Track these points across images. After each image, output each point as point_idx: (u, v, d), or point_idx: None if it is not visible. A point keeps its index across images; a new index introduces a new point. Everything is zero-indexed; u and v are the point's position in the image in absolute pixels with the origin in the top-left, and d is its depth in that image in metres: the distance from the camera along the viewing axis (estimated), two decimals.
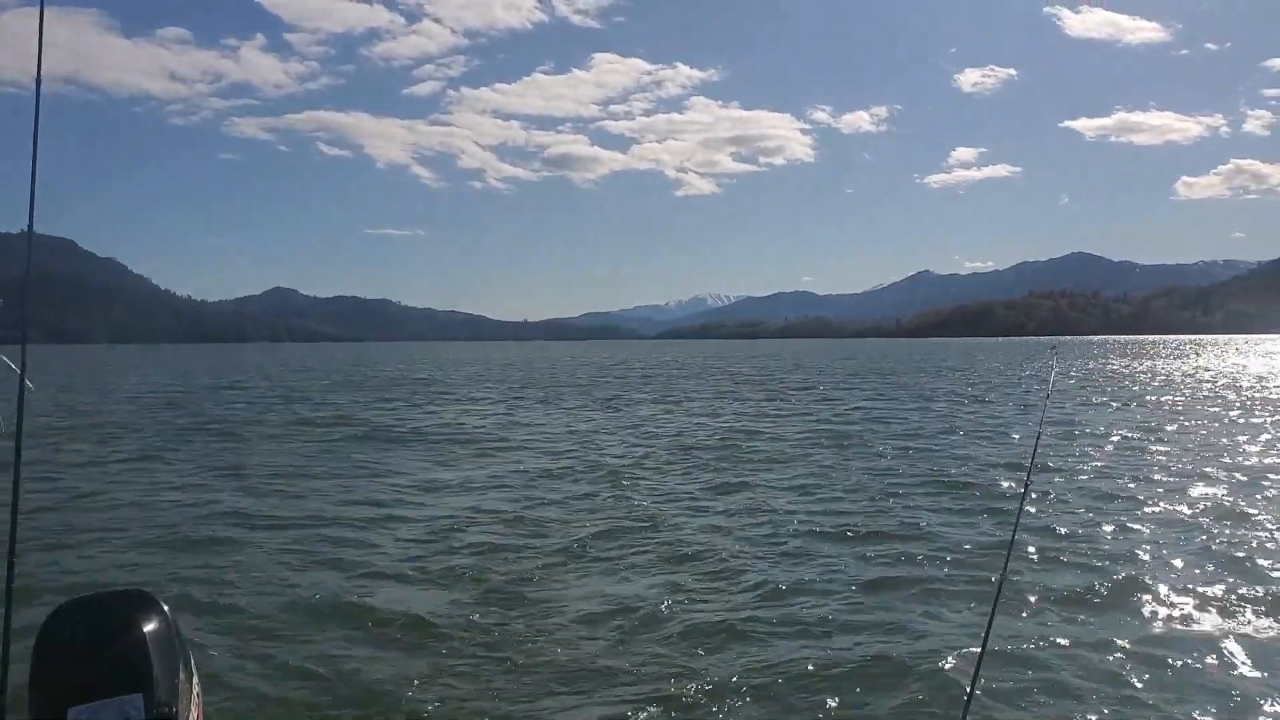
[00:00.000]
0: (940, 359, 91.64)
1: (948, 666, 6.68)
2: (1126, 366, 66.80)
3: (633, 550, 10.69)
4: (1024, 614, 8.08)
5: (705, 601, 8.63)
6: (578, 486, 15.37)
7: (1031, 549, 10.17)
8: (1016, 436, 21.70)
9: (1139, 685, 6.48)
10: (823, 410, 30.59)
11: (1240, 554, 9.98)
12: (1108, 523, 11.74)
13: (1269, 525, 11.33)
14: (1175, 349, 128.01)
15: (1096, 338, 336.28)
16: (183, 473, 17.21)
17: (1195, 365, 67.49)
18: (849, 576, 9.41)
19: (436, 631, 7.85)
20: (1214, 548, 10.29)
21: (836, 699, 6.32)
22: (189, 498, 14.40)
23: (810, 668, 6.84)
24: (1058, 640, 7.31)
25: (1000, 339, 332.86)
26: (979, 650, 3.27)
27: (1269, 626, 7.74)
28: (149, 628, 1.67)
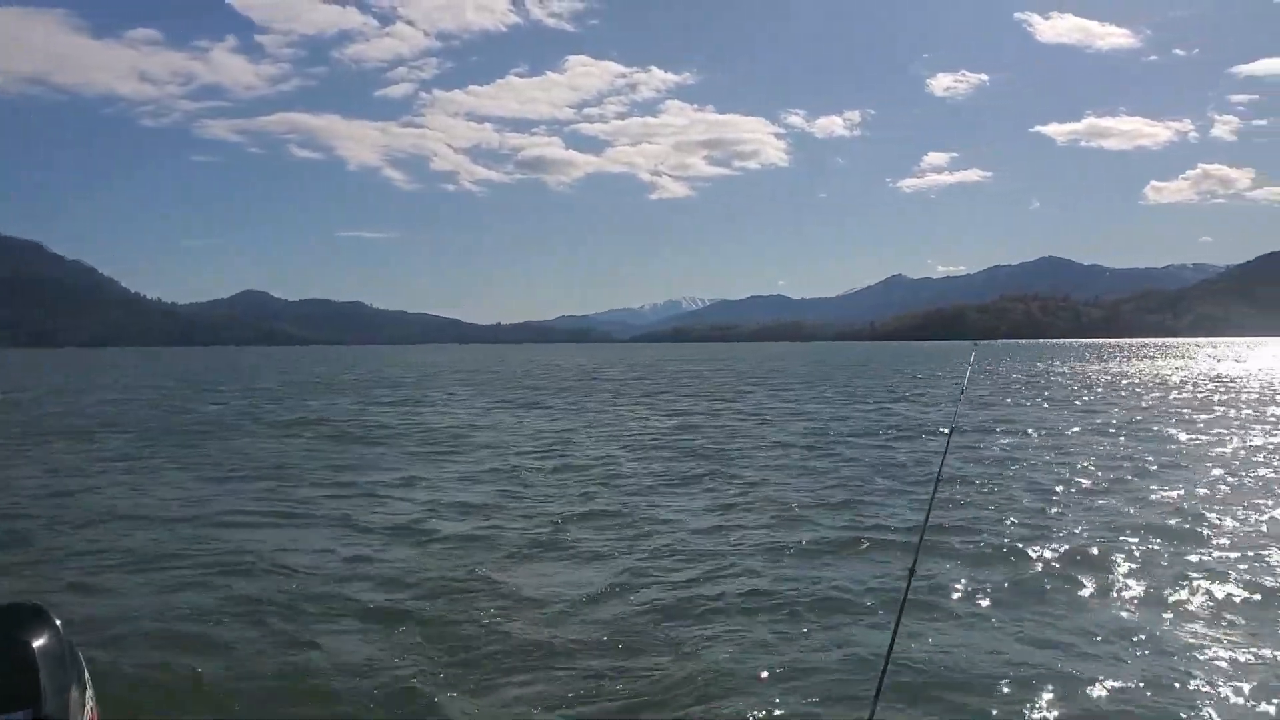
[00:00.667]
0: (910, 361, 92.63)
1: (862, 653, 6.97)
2: (1077, 368, 67.89)
3: (594, 540, 11.05)
4: (934, 607, 8.36)
5: (652, 586, 8.93)
6: (542, 484, 15.69)
7: (940, 540, 10.54)
8: (929, 440, 22.17)
9: (1049, 675, 6.69)
10: (778, 410, 31.07)
11: (1134, 540, 10.42)
12: (1015, 516, 12.18)
13: (1158, 518, 11.79)
14: (1133, 351, 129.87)
15: (1066, 341, 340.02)
16: (138, 474, 17.35)
17: (1140, 368, 68.61)
18: (773, 568, 9.76)
19: (402, 619, 8.07)
20: (1112, 536, 10.73)
21: (757, 687, 6.56)
22: (127, 502, 14.51)
23: (724, 656, 7.10)
24: (968, 632, 7.61)
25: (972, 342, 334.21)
26: (893, 626, 3.38)
27: (1181, 610, 8.10)
28: (39, 642, 1.59)
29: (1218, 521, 11.50)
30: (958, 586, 8.79)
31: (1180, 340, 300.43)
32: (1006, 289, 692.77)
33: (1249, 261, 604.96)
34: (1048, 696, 6.23)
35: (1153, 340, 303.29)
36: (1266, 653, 6.99)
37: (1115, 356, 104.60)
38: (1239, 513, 12.09)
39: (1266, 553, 9.91)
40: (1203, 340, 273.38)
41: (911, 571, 3.80)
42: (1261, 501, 12.95)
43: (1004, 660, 6.92)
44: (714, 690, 6.41)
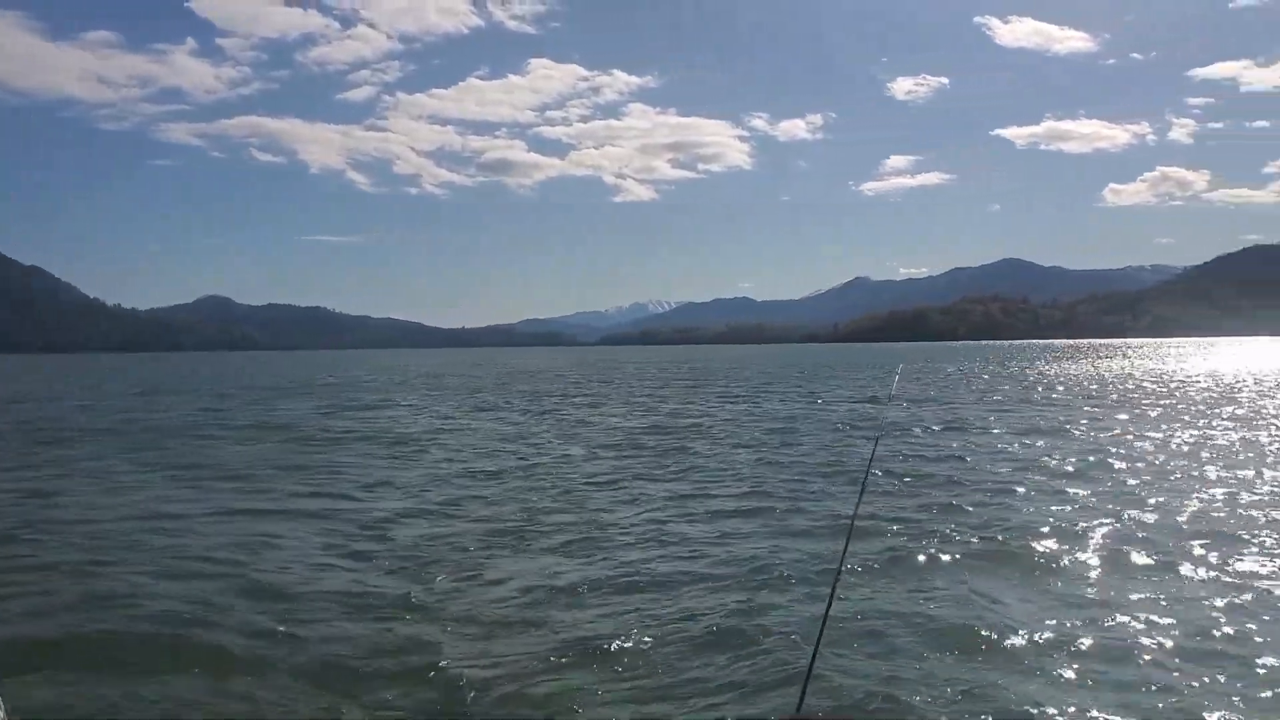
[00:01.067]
0: (871, 363, 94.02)
1: (795, 637, 7.59)
2: (1028, 369, 69.54)
3: (552, 535, 11.92)
4: (863, 588, 9.28)
5: (598, 569, 9.86)
6: (502, 483, 16.57)
7: (869, 524, 11.69)
8: (862, 439, 23.27)
9: (971, 650, 7.58)
10: (728, 408, 32.10)
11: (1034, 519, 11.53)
12: (938, 504, 13.32)
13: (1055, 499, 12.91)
14: (1088, 352, 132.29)
15: (1026, 341, 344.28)
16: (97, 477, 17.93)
17: (1084, 369, 70.37)
18: (713, 551, 10.76)
19: (367, 609, 8.82)
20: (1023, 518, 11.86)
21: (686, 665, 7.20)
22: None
23: (661, 632, 7.93)
24: (895, 608, 8.45)
25: (934, 344, 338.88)
26: (826, 604, 3.50)
27: (1085, 588, 9.23)
28: None
29: (1123, 512, 12.70)
30: (881, 566, 9.79)
31: (1140, 341, 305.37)
32: (967, 290, 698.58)
33: (1206, 263, 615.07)
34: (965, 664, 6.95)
35: (1109, 341, 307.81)
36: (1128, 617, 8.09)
37: (1070, 358, 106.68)
38: (1146, 504, 13.35)
39: (1153, 535, 11.12)
40: (1159, 341, 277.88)
41: (843, 555, 4.04)
42: (1162, 492, 14.20)
43: (929, 629, 7.74)
44: (661, 674, 6.91)
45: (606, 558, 10.53)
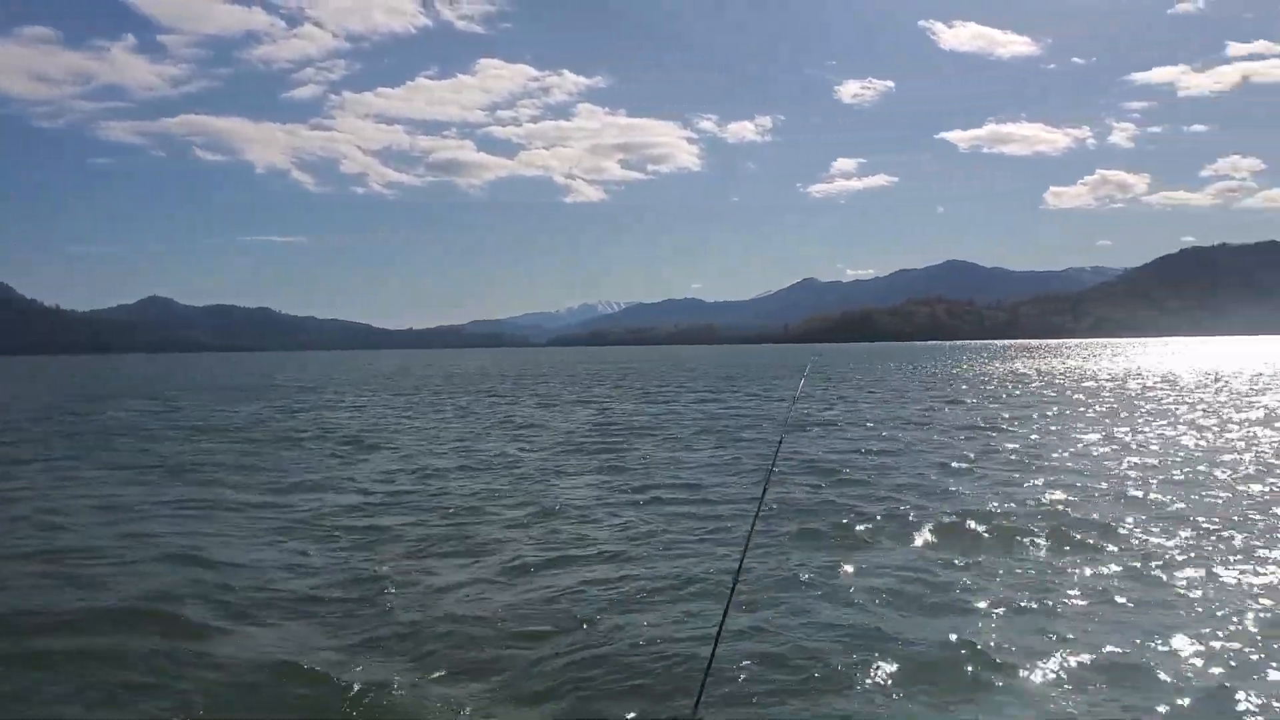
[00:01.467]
0: (816, 364, 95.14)
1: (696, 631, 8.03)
2: (964, 369, 71.11)
3: (489, 530, 12.45)
4: (766, 576, 10.07)
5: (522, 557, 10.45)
6: (444, 480, 17.05)
7: (774, 516, 12.48)
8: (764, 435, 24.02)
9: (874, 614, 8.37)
10: (670, 408, 32.79)
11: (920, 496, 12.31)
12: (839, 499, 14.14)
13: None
14: (1028, 352, 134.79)
15: (969, 342, 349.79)
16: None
17: (1013, 367, 72.13)
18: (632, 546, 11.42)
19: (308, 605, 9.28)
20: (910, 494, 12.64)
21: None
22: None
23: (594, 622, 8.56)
24: (791, 609, 8.89)
25: (882, 344, 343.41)
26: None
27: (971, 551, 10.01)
28: None
29: (1009, 507, 13.62)
30: (788, 560, 10.42)
31: (1080, 341, 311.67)
32: (913, 292, 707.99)
33: (1146, 264, 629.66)
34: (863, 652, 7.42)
35: (1049, 341, 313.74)
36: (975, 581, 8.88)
37: (1002, 358, 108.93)
38: (1008, 490, 14.36)
39: (1012, 520, 12.01)
40: (1102, 341, 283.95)
41: (742, 557, 4.19)
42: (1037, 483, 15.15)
43: (824, 622, 8.24)
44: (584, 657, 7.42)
45: (516, 557, 10.95)
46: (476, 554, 11.06)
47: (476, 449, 21.97)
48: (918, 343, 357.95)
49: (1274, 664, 6.95)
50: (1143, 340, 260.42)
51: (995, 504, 13.29)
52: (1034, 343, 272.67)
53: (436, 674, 7.15)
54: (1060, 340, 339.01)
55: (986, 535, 11.31)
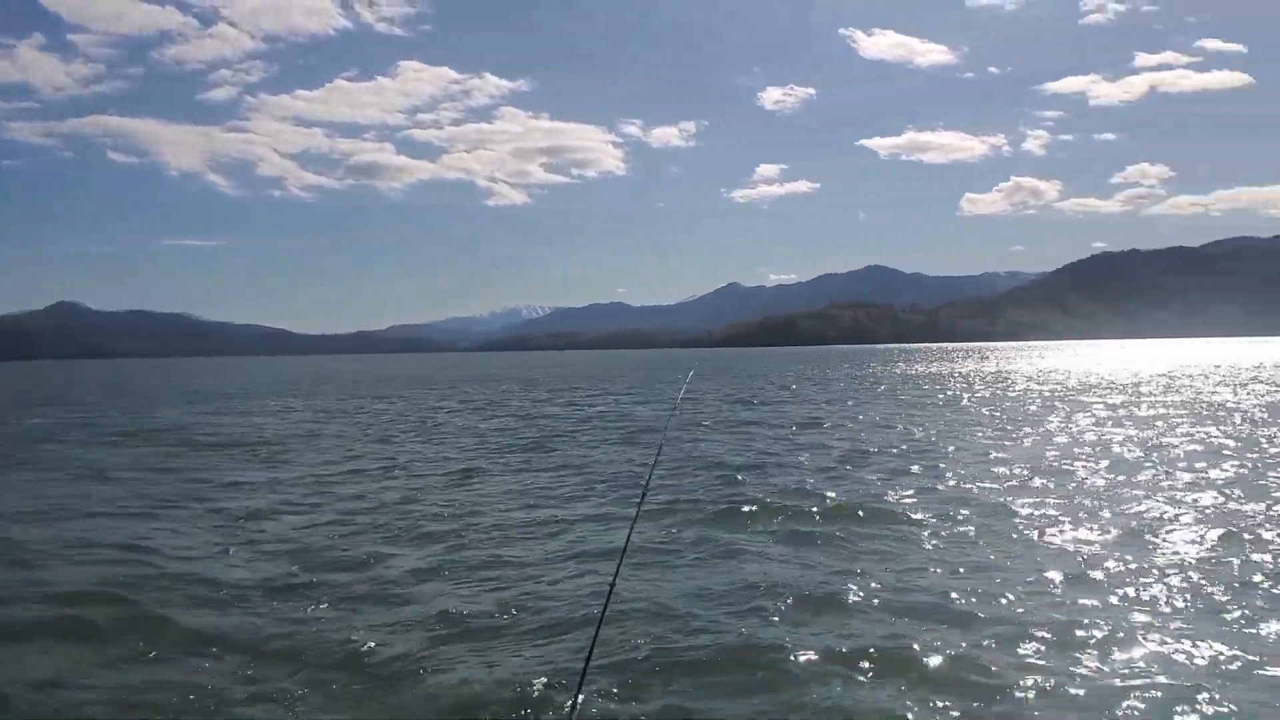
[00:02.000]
0: (732, 369, 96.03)
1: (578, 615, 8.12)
2: (872, 371, 72.30)
3: (410, 530, 12.26)
4: (648, 563, 10.12)
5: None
6: (362, 482, 16.74)
7: (658, 508, 12.68)
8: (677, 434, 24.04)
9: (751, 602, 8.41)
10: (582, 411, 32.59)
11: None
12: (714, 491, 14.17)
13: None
14: (940, 355, 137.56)
15: (889, 346, 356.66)
16: None
17: (913, 369, 73.59)
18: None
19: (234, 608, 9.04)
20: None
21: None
22: None
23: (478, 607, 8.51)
24: (671, 611, 8.79)
25: (801, 348, 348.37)
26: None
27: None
28: None
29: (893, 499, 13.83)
30: (667, 544, 10.81)
31: (995, 344, 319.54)
32: (835, 297, 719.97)
33: (1058, 269, 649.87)
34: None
35: (964, 345, 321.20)
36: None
37: (905, 360, 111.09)
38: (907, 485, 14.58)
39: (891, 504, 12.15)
40: (1017, 344, 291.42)
41: (622, 555, 4.31)
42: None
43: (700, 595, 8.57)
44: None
45: (451, 551, 10.86)
46: (417, 541, 10.81)
47: (369, 453, 21.58)
48: (839, 346, 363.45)
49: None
50: (1058, 343, 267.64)
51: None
52: (949, 346, 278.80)
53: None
54: (978, 344, 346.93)
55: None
